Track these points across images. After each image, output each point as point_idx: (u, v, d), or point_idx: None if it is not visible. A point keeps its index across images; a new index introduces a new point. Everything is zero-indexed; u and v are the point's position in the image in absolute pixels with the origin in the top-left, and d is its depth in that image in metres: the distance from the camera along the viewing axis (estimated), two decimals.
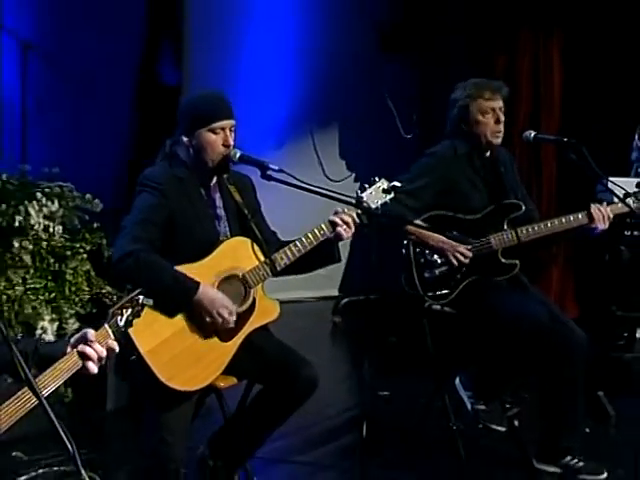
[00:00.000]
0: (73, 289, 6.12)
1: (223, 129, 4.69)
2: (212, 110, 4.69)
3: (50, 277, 6.05)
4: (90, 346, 3.61)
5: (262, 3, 8.14)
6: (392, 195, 4.84)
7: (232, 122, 4.72)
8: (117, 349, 3.72)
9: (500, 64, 7.90)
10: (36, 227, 5.98)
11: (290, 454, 5.94)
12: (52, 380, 3.59)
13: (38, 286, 5.91)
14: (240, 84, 8.17)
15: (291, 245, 4.66)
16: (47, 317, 5.95)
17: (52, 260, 6.02)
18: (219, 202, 4.76)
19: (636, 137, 6.80)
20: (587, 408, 6.23)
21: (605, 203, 5.60)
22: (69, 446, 3.14)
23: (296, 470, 5.86)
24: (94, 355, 3.59)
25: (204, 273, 4.54)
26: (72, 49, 8.23)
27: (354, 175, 8.32)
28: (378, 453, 5.89)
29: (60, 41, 8.23)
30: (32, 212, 6.00)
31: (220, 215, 4.74)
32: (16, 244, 5.99)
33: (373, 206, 4.78)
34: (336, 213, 4.64)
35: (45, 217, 6.08)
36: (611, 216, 5.59)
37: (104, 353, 3.64)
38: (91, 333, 3.65)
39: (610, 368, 6.71)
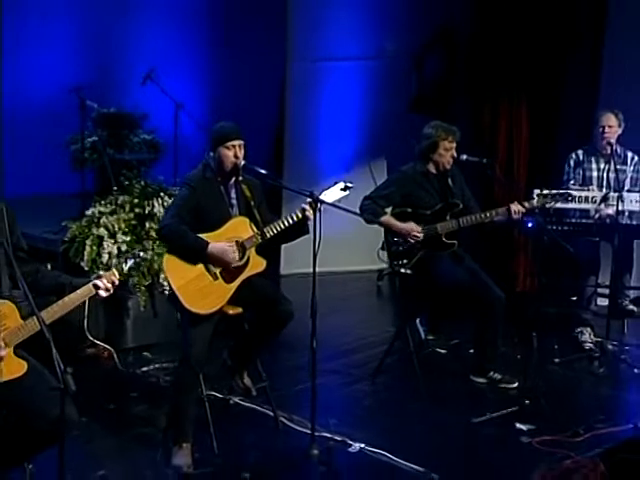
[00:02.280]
0: None
1: (234, 146, 4.61)
2: (226, 134, 4.64)
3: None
4: (101, 281, 3.75)
5: (335, 79, 8.13)
6: (347, 192, 4.73)
7: (241, 142, 4.63)
8: (117, 283, 3.80)
9: (486, 118, 7.83)
10: (158, 214, 6.09)
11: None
12: (75, 300, 3.71)
13: (161, 251, 5.95)
14: (322, 132, 8.19)
15: (276, 223, 4.64)
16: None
17: None
18: (233, 195, 4.70)
19: (566, 166, 6.60)
20: (522, 343, 6.10)
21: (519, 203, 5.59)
22: (54, 350, 3.18)
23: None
24: (102, 286, 3.74)
25: (216, 239, 4.55)
26: (215, 107, 8.42)
27: None
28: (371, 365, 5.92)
29: (203, 101, 8.41)
30: (156, 205, 6.16)
31: (233, 204, 4.69)
32: (147, 225, 6.14)
33: (330, 200, 4.62)
34: (307, 203, 4.56)
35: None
36: (523, 210, 5.52)
37: (109, 285, 3.77)
38: (103, 273, 3.82)
39: (543, 318, 6.45)
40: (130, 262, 3.93)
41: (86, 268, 6.00)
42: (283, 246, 8.15)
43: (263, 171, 4.60)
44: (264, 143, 8.27)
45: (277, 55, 8.04)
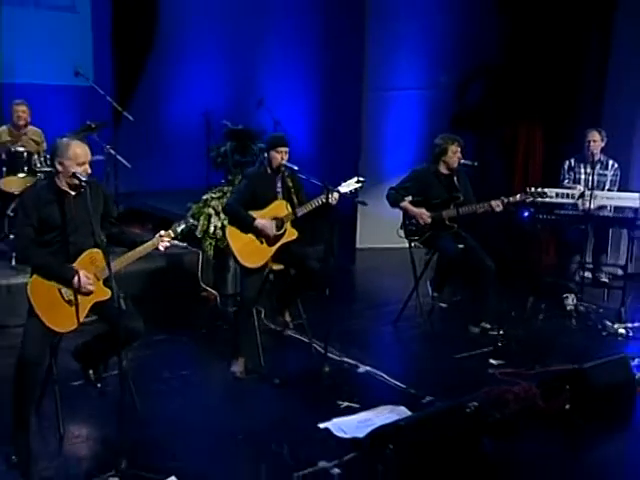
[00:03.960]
0: None
1: (281, 151, 4.76)
2: (277, 142, 4.80)
3: None
4: (161, 238, 3.91)
5: (399, 104, 8.18)
6: (360, 185, 4.83)
7: (286, 148, 4.76)
8: (170, 239, 3.90)
9: (508, 134, 7.75)
10: None
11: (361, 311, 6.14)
12: (140, 252, 3.86)
13: None
14: (389, 143, 8.24)
15: (306, 204, 4.78)
16: None
17: None
18: (280, 184, 4.86)
19: (562, 169, 6.54)
20: (518, 303, 6.10)
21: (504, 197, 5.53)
22: (113, 283, 3.46)
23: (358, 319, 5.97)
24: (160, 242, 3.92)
25: (264, 215, 4.78)
26: (308, 127, 8.70)
27: None
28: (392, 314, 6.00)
29: (300, 121, 8.66)
30: None
31: (278, 191, 4.85)
32: None
33: (347, 189, 4.75)
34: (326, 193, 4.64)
35: None
36: (504, 204, 5.48)
37: (166, 240, 3.91)
38: (163, 232, 3.93)
39: (540, 286, 6.37)
40: (182, 226, 4.06)
41: (199, 236, 6.32)
42: (359, 225, 8.38)
43: (295, 167, 4.80)
44: (347, 152, 8.46)
45: (356, 86, 8.17)
